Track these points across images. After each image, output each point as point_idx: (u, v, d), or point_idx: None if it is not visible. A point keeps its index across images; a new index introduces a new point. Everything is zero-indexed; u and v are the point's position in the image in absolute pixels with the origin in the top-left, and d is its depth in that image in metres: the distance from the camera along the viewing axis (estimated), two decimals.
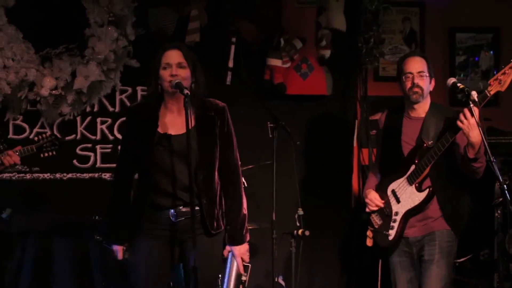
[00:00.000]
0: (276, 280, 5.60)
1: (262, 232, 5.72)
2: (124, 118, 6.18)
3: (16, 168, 5.95)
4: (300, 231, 5.59)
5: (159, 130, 4.23)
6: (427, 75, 4.85)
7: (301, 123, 6.54)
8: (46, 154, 4.80)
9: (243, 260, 4.43)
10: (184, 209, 4.19)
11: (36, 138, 4.73)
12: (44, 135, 4.86)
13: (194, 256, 4.09)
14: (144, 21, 6.24)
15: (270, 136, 5.62)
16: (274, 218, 5.53)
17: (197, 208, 4.19)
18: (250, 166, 5.78)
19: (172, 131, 4.22)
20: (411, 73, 4.84)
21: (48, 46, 6.06)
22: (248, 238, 4.44)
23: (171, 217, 4.21)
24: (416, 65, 4.86)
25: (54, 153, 4.80)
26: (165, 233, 4.23)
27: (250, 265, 5.41)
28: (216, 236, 4.30)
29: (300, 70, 6.50)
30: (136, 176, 4.37)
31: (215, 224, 4.25)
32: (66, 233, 5.85)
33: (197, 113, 4.25)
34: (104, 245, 5.44)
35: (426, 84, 4.85)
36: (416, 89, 4.82)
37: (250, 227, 5.63)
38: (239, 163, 4.47)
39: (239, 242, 4.38)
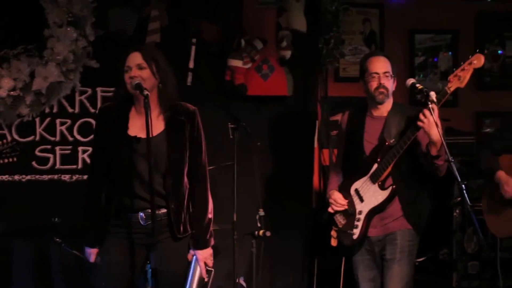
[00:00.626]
0: (237, 281, 5.60)
1: (223, 233, 5.70)
2: (84, 119, 6.18)
3: None
4: (261, 232, 5.60)
5: (129, 132, 4.21)
6: (392, 75, 4.88)
7: (262, 124, 6.53)
8: (6, 160, 4.72)
9: (206, 265, 4.42)
10: (149, 211, 4.14)
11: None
12: (5, 141, 4.79)
13: (156, 259, 4.14)
14: (103, 22, 6.19)
15: (231, 136, 5.62)
16: (235, 219, 5.54)
17: (164, 211, 4.19)
18: (211, 167, 5.73)
19: (141, 134, 4.18)
20: (377, 73, 4.86)
21: (6, 47, 5.99)
22: (212, 243, 4.42)
23: (140, 220, 4.19)
24: (382, 65, 4.89)
25: (14, 159, 4.73)
26: (131, 236, 4.20)
27: (213, 270, 5.38)
28: (182, 241, 4.28)
29: (261, 71, 6.50)
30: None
31: (181, 229, 4.24)
32: (25, 235, 5.81)
33: (167, 116, 4.24)
34: (64, 247, 5.41)
35: (391, 84, 4.89)
36: (382, 90, 4.86)
37: (211, 229, 5.66)
38: (207, 167, 4.45)
39: (203, 246, 4.37)
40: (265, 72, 6.51)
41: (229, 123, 5.64)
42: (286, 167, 6.58)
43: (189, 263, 4.60)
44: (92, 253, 4.31)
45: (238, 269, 5.60)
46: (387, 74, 4.86)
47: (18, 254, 5.88)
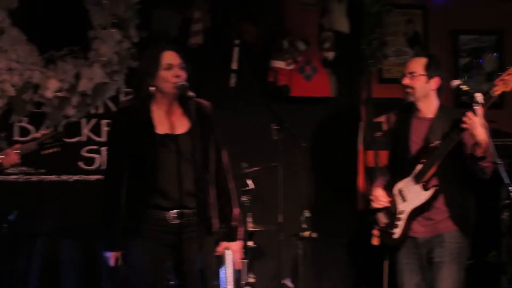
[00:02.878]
0: (283, 282, 5.59)
1: (269, 234, 5.72)
2: None
3: (22, 170, 5.96)
4: (306, 233, 5.59)
5: (157, 131, 4.17)
6: (421, 74, 4.85)
7: (306, 125, 6.53)
8: (48, 151, 4.67)
9: (238, 258, 4.41)
10: (185, 211, 4.15)
11: (37, 135, 4.62)
12: (45, 131, 4.72)
13: (185, 257, 4.12)
14: (147, 23, 6.22)
15: (275, 138, 5.61)
16: (280, 220, 5.52)
17: (194, 209, 4.16)
18: (256, 168, 5.77)
19: (172, 131, 4.18)
20: (404, 73, 4.88)
21: (52, 49, 6.04)
22: (241, 236, 4.41)
23: (171, 218, 4.15)
24: (409, 65, 4.91)
25: (57, 149, 4.66)
26: (163, 235, 4.17)
27: (246, 261, 5.38)
28: (211, 236, 4.27)
29: (304, 72, 6.50)
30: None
31: (213, 224, 4.22)
32: (73, 236, 5.84)
33: (189, 114, 4.20)
34: None
35: (419, 83, 4.85)
36: (407, 90, 4.86)
37: (256, 230, 5.68)
38: (228, 161, 4.43)
39: (235, 238, 4.35)
40: (308, 73, 6.51)
41: (273, 124, 5.63)
42: (330, 168, 6.58)
43: (220, 257, 4.56)
44: (112, 257, 4.23)
45: (283, 270, 5.60)
46: (413, 74, 4.85)
47: (65, 253, 5.92)
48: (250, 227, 5.67)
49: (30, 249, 5.93)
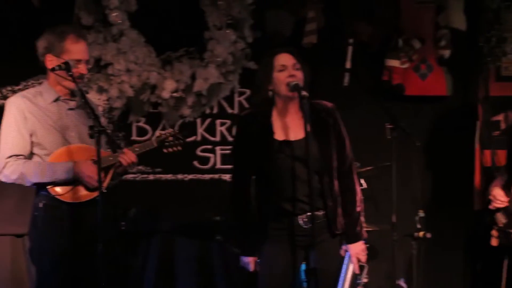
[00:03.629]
0: (397, 282, 5.54)
1: (382, 234, 5.67)
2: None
3: (139, 169, 6.11)
4: (421, 233, 5.53)
5: (277, 137, 4.16)
6: None
7: (420, 124, 6.46)
8: (170, 150, 4.65)
9: (359, 260, 4.36)
10: (314, 214, 4.09)
11: (158, 134, 4.69)
12: (167, 131, 4.75)
13: (316, 259, 4.05)
14: (261, 24, 6.27)
15: (389, 137, 5.56)
16: (394, 220, 5.47)
17: (323, 211, 4.16)
18: (369, 168, 5.74)
19: (290, 137, 4.16)
20: None
21: (169, 50, 6.14)
22: (364, 236, 4.37)
23: (300, 224, 4.14)
24: None
25: (179, 148, 4.66)
26: (292, 239, 4.16)
27: (366, 265, 5.35)
28: (338, 237, 4.26)
29: (419, 71, 6.43)
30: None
31: (338, 225, 4.21)
32: (188, 234, 5.94)
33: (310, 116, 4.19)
34: (225, 246, 5.48)
35: None
36: None
37: (370, 229, 5.63)
38: (353, 160, 4.40)
39: (355, 239, 4.31)
40: (423, 71, 6.43)
41: (387, 124, 5.58)
42: (445, 167, 6.47)
43: (342, 259, 4.55)
44: (250, 262, 4.26)
45: (398, 270, 5.54)
46: None
47: (181, 252, 6.01)
48: (363, 227, 5.63)
49: (147, 247, 6.06)
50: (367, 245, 5.55)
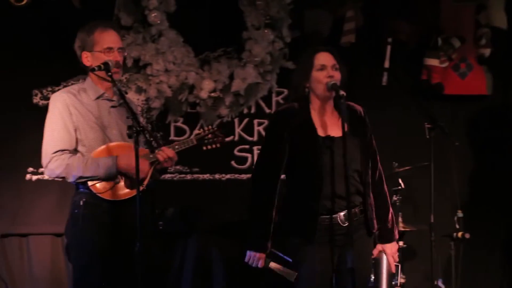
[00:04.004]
0: (435, 283, 5.51)
1: (420, 234, 5.65)
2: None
3: (177, 169, 6.15)
4: (459, 234, 5.50)
5: (319, 133, 4.15)
6: None
7: (460, 124, 6.43)
8: (209, 147, 4.62)
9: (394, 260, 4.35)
10: (352, 211, 4.07)
11: (197, 131, 4.70)
12: (206, 128, 4.76)
13: (353, 258, 4.03)
14: (299, 23, 6.27)
15: (428, 136, 5.54)
16: (432, 220, 5.44)
17: (361, 209, 4.14)
18: (407, 168, 5.71)
19: (331, 134, 4.14)
20: None
21: (207, 50, 6.17)
22: (397, 236, 4.34)
23: (341, 221, 4.11)
24: None
25: (217, 145, 4.64)
26: (334, 237, 4.12)
27: (399, 264, 5.33)
28: (373, 236, 4.25)
29: (458, 70, 6.39)
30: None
31: (374, 224, 4.20)
32: (225, 234, 5.95)
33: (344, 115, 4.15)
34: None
35: None
36: None
37: (407, 229, 5.61)
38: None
39: (390, 240, 4.29)
40: (463, 70, 6.39)
41: (426, 123, 5.55)
42: (485, 167, 6.44)
43: (376, 258, 4.51)
44: (261, 258, 4.18)
45: (436, 271, 5.51)
46: None
47: (218, 251, 6.04)
48: (401, 227, 5.62)
49: (184, 247, 6.09)
50: (405, 246, 5.58)
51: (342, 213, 4.10)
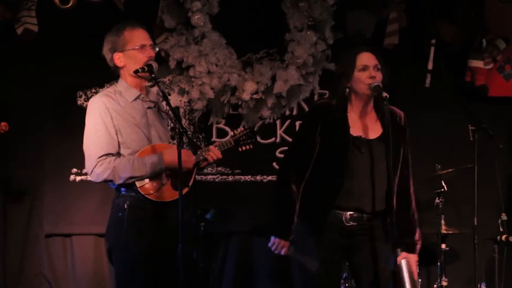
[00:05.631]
0: (478, 286, 5.46)
1: (463, 237, 5.62)
2: None
3: (218, 171, 6.17)
4: (504, 237, 5.45)
5: (352, 132, 4.14)
6: None
7: (504, 126, 6.36)
8: (244, 148, 4.58)
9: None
10: (375, 213, 4.10)
11: (232, 133, 4.73)
12: (240, 129, 4.81)
13: (360, 258, 4.08)
14: (342, 25, 6.26)
15: (471, 139, 5.49)
16: (475, 223, 5.40)
17: (385, 213, 4.10)
18: (450, 170, 5.67)
19: (365, 135, 4.14)
20: None
21: (250, 51, 6.20)
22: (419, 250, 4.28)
23: (363, 221, 4.10)
24: None
25: (251, 146, 4.57)
26: (342, 237, 4.12)
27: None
28: (392, 242, 4.18)
29: (503, 71, 6.34)
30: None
31: (395, 231, 4.13)
32: (265, 235, 5.94)
33: (383, 119, 4.11)
34: None
35: None
36: None
37: (450, 232, 5.57)
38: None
39: (414, 251, 4.21)
40: (508, 72, 6.35)
41: (469, 125, 5.51)
42: None
43: (398, 266, 4.46)
44: (285, 246, 4.18)
45: (479, 274, 5.46)
46: None
47: (259, 252, 6.06)
48: (444, 229, 5.58)
49: (225, 248, 6.13)
50: (447, 248, 5.54)
51: (349, 213, 4.09)
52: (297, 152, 4.26)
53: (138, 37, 4.27)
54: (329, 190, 4.11)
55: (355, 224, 4.09)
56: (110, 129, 4.17)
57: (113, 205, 4.23)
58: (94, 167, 4.14)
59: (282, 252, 4.20)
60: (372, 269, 4.12)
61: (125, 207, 4.15)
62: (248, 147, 4.57)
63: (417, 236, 4.22)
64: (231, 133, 4.60)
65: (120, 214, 4.16)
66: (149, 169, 4.12)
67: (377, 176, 4.07)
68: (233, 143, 4.50)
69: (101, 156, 4.14)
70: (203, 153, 4.28)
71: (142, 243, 4.12)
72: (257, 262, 6.09)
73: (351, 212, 4.10)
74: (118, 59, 4.26)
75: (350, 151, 4.09)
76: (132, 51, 4.23)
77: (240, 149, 4.59)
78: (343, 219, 4.10)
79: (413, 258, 4.20)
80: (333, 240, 4.11)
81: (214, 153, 4.31)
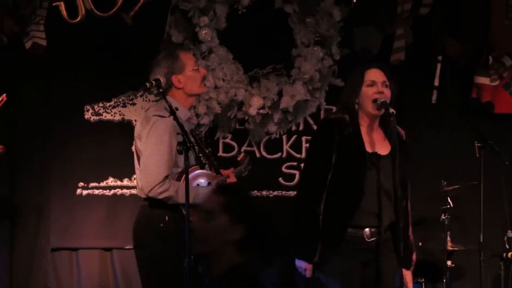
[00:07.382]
0: None
1: (469, 253, 5.60)
2: None
3: None
4: (510, 254, 5.44)
5: (367, 148, 4.13)
6: None
7: (511, 143, 6.32)
8: (245, 173, 4.88)
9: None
10: (384, 231, 4.12)
11: (232, 170, 4.84)
12: (243, 155, 4.96)
13: (378, 275, 4.08)
14: (349, 41, 6.27)
15: (477, 155, 5.49)
16: (481, 240, 5.39)
17: (396, 229, 4.12)
18: (456, 186, 5.67)
19: (378, 151, 4.15)
20: None
21: (256, 67, 6.22)
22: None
23: (364, 236, 4.10)
24: None
25: (246, 173, 4.90)
26: (362, 254, 4.12)
27: None
28: (398, 258, 4.16)
29: (509, 88, 6.34)
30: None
31: (403, 248, 4.12)
32: (271, 250, 5.93)
33: (390, 136, 4.16)
34: None
35: None
36: None
37: (456, 249, 5.56)
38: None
39: (410, 267, 4.25)
40: None
41: (475, 142, 5.51)
42: None
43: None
44: (309, 269, 4.14)
45: None
46: None
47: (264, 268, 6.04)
48: (449, 246, 5.57)
49: None
50: (453, 265, 5.53)
51: (368, 229, 4.09)
52: (316, 169, 4.21)
53: (191, 59, 4.60)
54: (348, 207, 4.10)
55: (374, 239, 4.09)
56: (173, 150, 4.30)
57: (152, 215, 4.38)
58: (156, 185, 4.30)
59: (307, 275, 4.16)
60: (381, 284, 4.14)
61: (167, 218, 4.34)
62: (247, 172, 4.86)
63: (414, 256, 4.26)
64: (231, 170, 4.73)
65: (162, 225, 4.34)
66: (199, 200, 4.15)
67: (390, 192, 4.10)
68: (235, 179, 4.66)
69: (166, 177, 4.31)
70: (225, 179, 4.52)
71: (181, 253, 4.09)
72: (262, 277, 6.07)
73: (372, 229, 4.10)
74: (178, 81, 4.47)
75: (367, 168, 4.09)
76: (191, 72, 4.50)
77: (243, 175, 4.81)
78: (364, 236, 4.10)
79: (409, 275, 4.23)
80: (354, 257, 4.11)
81: (232, 180, 4.56)
